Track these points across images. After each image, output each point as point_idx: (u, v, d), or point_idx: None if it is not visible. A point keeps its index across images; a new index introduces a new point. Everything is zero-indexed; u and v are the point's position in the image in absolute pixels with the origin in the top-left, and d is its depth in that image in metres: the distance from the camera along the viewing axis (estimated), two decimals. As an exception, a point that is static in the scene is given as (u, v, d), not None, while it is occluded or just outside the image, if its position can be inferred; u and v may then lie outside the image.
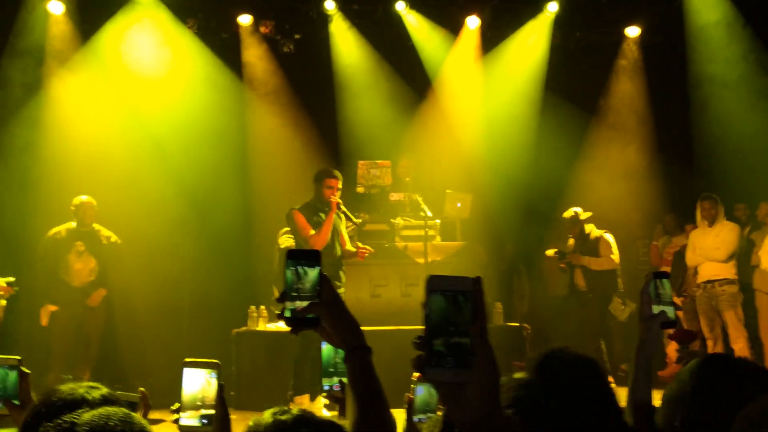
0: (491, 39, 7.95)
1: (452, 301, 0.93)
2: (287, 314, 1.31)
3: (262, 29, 7.74)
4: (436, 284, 0.94)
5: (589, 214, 6.56)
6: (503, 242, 7.75)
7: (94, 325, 6.08)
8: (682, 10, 7.55)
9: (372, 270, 6.19)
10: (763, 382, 1.46)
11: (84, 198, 6.06)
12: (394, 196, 6.52)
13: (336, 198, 5.26)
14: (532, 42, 7.94)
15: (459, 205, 6.66)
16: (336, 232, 5.36)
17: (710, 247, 6.40)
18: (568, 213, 6.59)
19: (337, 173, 5.39)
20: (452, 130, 7.78)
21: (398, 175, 6.73)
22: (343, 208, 5.33)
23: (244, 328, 6.01)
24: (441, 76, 8.06)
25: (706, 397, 1.48)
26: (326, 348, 1.95)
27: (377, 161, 6.63)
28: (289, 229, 6.47)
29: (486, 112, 7.93)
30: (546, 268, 7.52)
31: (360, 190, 6.59)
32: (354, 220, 5.47)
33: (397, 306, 5.41)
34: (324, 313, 1.33)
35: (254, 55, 7.80)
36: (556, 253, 6.51)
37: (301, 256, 1.34)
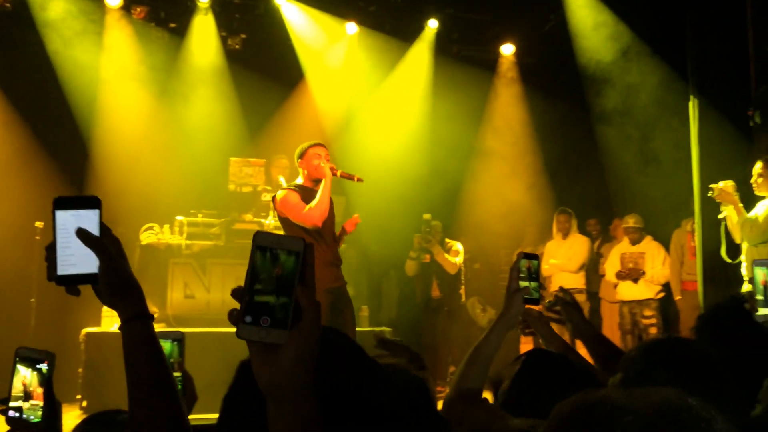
0: (371, 45, 8.01)
1: (278, 259, 0.89)
2: (61, 272, 1.09)
3: (134, 14, 7.33)
4: (263, 240, 0.89)
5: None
6: (372, 246, 7.85)
7: None
8: (559, 27, 7.70)
9: (238, 269, 6.04)
10: (573, 378, 1.61)
11: None
12: (267, 196, 6.41)
13: (331, 164, 4.47)
14: (414, 54, 8.07)
15: (331, 208, 6.66)
16: (332, 215, 4.59)
17: (563, 258, 6.91)
18: (438, 223, 6.90)
19: (321, 142, 4.63)
20: (329, 132, 7.78)
21: (272, 174, 6.62)
22: (340, 171, 4.48)
23: (96, 329, 5.65)
24: (320, 76, 8.02)
25: (523, 384, 1.63)
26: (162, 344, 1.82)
27: (250, 159, 6.49)
28: (149, 225, 6.19)
29: (364, 116, 8.00)
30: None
31: (231, 188, 6.42)
32: (357, 177, 4.55)
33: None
34: (107, 266, 1.12)
35: (118, 38, 7.28)
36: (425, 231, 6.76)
37: (71, 202, 1.10)
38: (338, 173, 4.46)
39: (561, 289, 2.34)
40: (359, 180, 4.56)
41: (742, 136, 5.61)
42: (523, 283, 1.84)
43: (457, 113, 7.91)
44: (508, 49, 8.31)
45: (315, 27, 7.79)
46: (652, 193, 6.78)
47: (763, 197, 4.65)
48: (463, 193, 8.14)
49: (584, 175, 7.88)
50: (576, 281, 6.83)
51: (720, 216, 4.74)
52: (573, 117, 8.01)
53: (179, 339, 1.76)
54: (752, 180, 4.65)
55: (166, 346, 1.77)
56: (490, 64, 8.44)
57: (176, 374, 1.74)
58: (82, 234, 1.10)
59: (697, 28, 5.88)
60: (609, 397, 0.75)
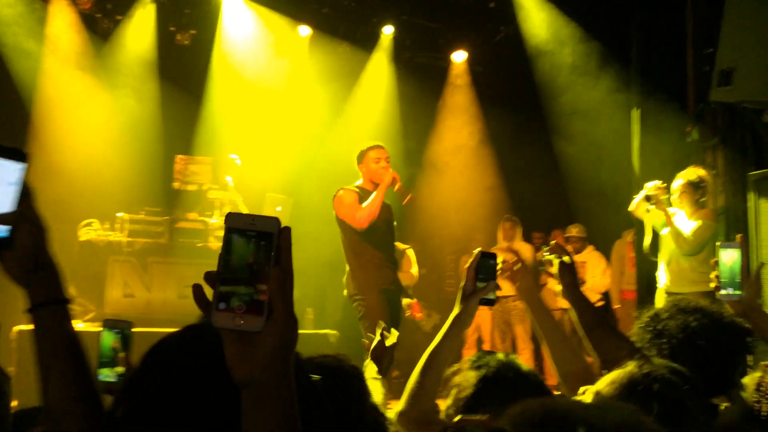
0: (324, 49, 7.95)
1: (253, 242, 0.85)
2: None
3: (80, 5, 7.11)
4: (235, 222, 0.85)
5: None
6: (319, 247, 7.79)
7: None
8: (512, 39, 7.73)
9: (181, 269, 5.93)
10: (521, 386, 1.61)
11: None
12: (213, 194, 6.31)
13: (391, 170, 4.49)
14: (372, 63, 8.08)
15: (279, 209, 6.60)
16: (389, 219, 4.64)
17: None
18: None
19: (381, 144, 4.62)
20: (278, 132, 7.70)
21: (218, 173, 6.52)
22: (399, 185, 4.50)
23: (29, 326, 5.44)
24: (272, 77, 7.93)
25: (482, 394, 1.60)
26: (105, 333, 1.66)
27: (196, 157, 6.39)
28: (89, 221, 6.01)
29: (317, 119, 7.93)
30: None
31: (176, 185, 6.30)
32: (409, 197, 4.60)
33: (206, 308, 5.22)
34: (25, 229, 0.99)
35: (61, 28, 7.03)
36: None
37: None
38: (396, 187, 4.51)
39: (559, 246, 2.22)
40: (410, 199, 4.62)
41: (682, 151, 5.83)
42: (481, 284, 1.79)
43: (411, 117, 7.96)
44: (459, 57, 8.40)
45: (266, 28, 7.72)
46: (598, 211, 6.95)
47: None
48: (413, 198, 8.15)
49: (535, 187, 8.03)
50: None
51: (648, 206, 4.88)
52: (528, 129, 8.15)
53: (125, 330, 1.65)
54: (674, 198, 4.89)
55: (110, 337, 1.66)
56: (443, 71, 8.52)
57: (120, 369, 1.64)
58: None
59: (642, 46, 6.08)
60: (573, 412, 0.77)
